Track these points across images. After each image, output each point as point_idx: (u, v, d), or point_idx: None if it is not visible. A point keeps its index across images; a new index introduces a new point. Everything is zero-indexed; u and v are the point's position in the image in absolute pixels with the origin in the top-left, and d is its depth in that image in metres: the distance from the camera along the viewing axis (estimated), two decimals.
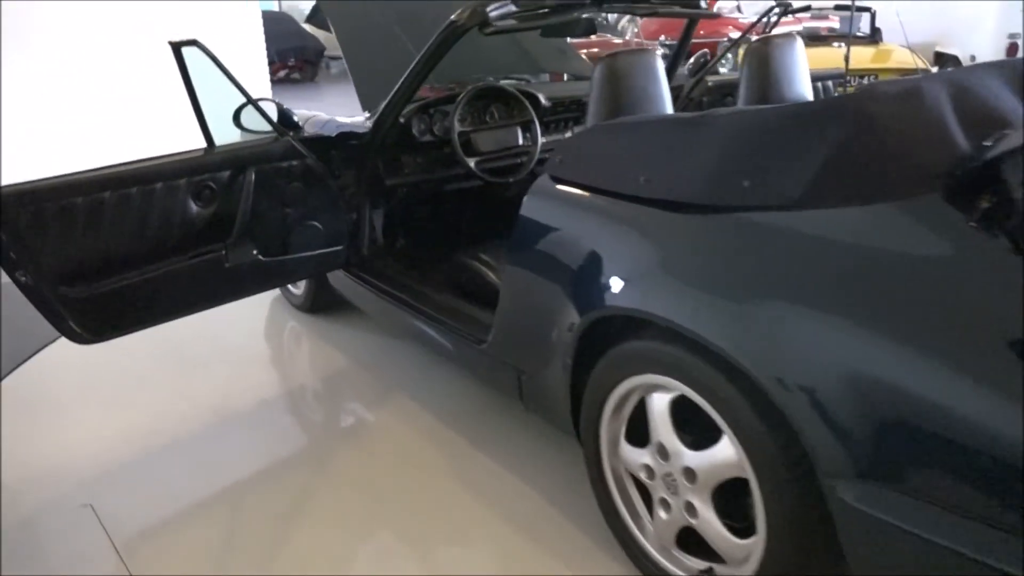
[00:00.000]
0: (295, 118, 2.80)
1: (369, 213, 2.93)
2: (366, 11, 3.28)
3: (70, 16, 5.09)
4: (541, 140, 2.97)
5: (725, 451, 1.58)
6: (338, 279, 3.12)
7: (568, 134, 3.26)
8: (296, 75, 13.84)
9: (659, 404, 1.71)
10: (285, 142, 2.59)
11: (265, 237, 2.59)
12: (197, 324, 2.75)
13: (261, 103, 2.59)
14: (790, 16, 6.04)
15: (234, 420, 2.71)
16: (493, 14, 2.27)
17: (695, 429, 1.67)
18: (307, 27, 13.64)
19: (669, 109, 2.18)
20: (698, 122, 1.69)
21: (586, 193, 1.89)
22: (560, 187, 1.97)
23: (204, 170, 2.41)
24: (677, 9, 2.81)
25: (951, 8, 9.02)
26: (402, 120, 2.79)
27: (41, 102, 5.00)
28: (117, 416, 2.75)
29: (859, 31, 8.63)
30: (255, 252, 2.55)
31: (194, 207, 2.40)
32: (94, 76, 5.22)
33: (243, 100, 2.61)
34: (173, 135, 5.05)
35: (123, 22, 5.33)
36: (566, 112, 3.23)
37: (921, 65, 6.74)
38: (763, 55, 2.51)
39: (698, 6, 2.89)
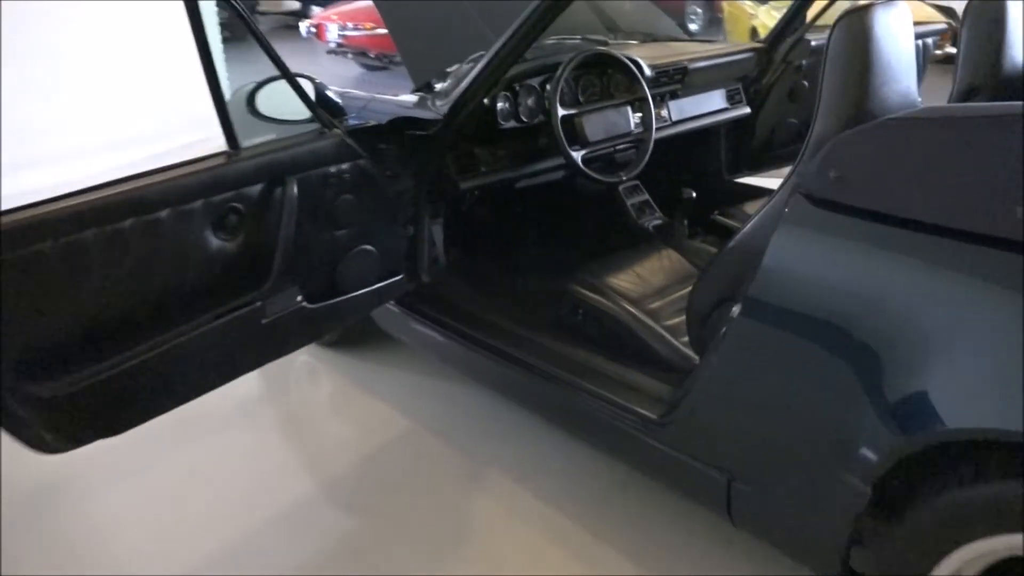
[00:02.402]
0: (336, 100, 2.01)
1: (429, 225, 2.18)
2: None
3: None
4: (655, 122, 2.27)
5: None
6: (379, 308, 2.37)
7: (664, 112, 2.56)
8: (227, 33, 12.53)
9: None
10: (335, 137, 1.81)
11: (311, 274, 1.82)
12: None
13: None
14: None
15: (274, 519, 1.96)
16: None
17: None
18: None
19: (915, 87, 1.52)
20: None
21: (897, 229, 1.21)
22: (837, 217, 1.27)
23: (227, 185, 1.62)
24: None
25: None
26: (487, 102, 2.03)
27: None
28: (113, 523, 1.96)
29: None
30: (299, 298, 1.79)
31: (215, 241, 1.62)
32: None
33: (264, 77, 1.85)
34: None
35: None
36: (669, 83, 2.51)
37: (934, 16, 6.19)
38: (994, 9, 1.86)
39: None
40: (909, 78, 1.48)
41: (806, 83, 2.98)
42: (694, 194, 2.38)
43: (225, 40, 5.46)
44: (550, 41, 2.48)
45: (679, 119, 2.62)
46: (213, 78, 1.55)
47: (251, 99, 1.92)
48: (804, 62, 2.93)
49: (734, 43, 3.18)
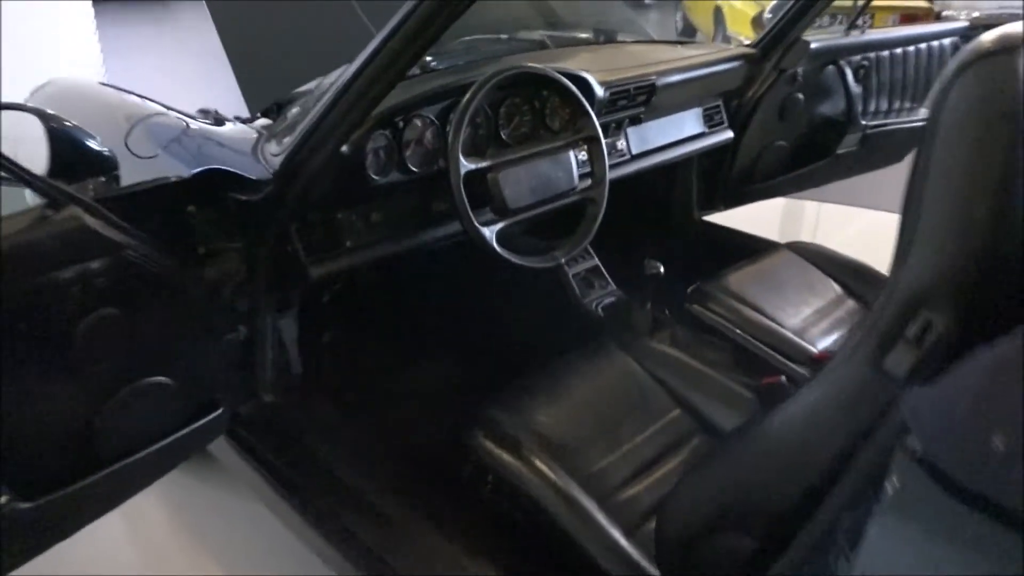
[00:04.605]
0: (92, 145, 1.25)
1: (273, 324, 1.46)
2: None
3: None
4: (608, 172, 1.56)
5: None
6: None
7: (621, 143, 1.86)
8: None
9: None
10: (70, 219, 1.06)
11: (30, 451, 1.09)
12: None
13: None
14: None
15: None
16: None
17: None
18: None
19: None
20: None
21: None
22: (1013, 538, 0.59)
23: None
24: None
25: None
26: (346, 150, 1.29)
27: None
28: None
29: None
30: (4, 498, 1.05)
31: None
32: None
33: None
34: None
35: None
36: (630, 107, 1.80)
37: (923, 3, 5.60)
38: None
39: None
40: None
41: (801, 96, 2.31)
42: (662, 269, 1.68)
43: None
44: (459, 44, 1.74)
45: (640, 152, 1.92)
46: None
47: None
48: (799, 69, 2.26)
49: (716, 47, 2.48)
